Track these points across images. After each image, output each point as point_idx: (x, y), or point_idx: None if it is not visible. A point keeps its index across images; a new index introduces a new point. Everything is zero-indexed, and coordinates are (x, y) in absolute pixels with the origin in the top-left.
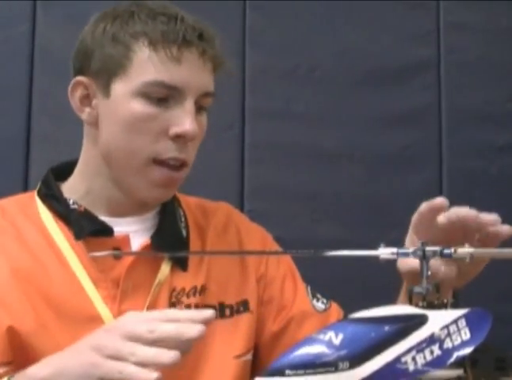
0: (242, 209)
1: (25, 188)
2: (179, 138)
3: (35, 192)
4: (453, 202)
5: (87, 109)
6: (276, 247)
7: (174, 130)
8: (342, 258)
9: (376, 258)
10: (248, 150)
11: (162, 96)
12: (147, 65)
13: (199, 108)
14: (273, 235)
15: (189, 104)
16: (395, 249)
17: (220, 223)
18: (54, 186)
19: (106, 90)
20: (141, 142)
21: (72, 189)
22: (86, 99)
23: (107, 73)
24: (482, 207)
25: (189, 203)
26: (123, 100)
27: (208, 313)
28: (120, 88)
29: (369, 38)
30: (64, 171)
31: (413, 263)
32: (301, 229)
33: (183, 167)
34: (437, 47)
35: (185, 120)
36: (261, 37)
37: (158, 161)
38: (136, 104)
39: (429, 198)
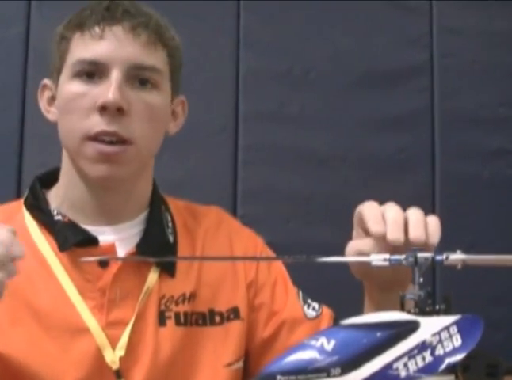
0: (234, 212)
1: (18, 188)
2: (106, 111)
3: (22, 201)
4: (446, 205)
5: (52, 109)
6: (267, 252)
7: (99, 102)
8: (335, 263)
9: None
10: (241, 152)
11: (89, 71)
12: (76, 47)
13: (141, 85)
14: (265, 238)
15: (113, 76)
16: (387, 256)
17: (211, 227)
18: (40, 195)
19: (57, 85)
20: (74, 121)
21: (58, 197)
22: (52, 100)
23: (57, 70)
24: (474, 210)
25: (179, 206)
26: (62, 86)
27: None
28: (62, 77)
29: (363, 41)
30: (51, 177)
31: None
32: (294, 233)
33: (122, 144)
34: (430, 50)
35: (108, 90)
36: (255, 39)
37: (90, 138)
38: (69, 86)
39: (422, 201)
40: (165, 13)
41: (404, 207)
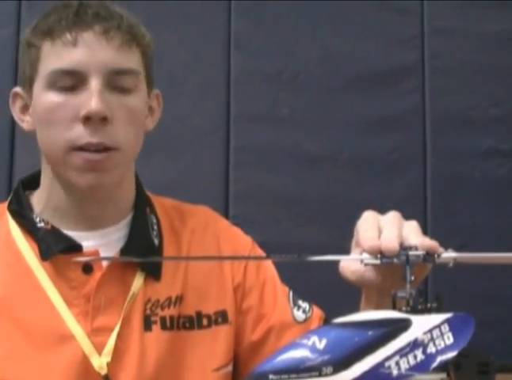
0: (226, 213)
1: (9, 190)
2: (89, 121)
3: (6, 205)
4: (437, 205)
5: (26, 118)
6: (257, 253)
7: (82, 112)
8: (327, 262)
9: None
10: (233, 153)
11: (68, 83)
12: (49, 56)
13: (121, 90)
14: (257, 239)
15: (93, 84)
16: (378, 255)
17: (197, 228)
18: (23, 200)
19: (31, 94)
20: (57, 132)
21: (41, 201)
22: (25, 109)
23: (29, 78)
24: (465, 210)
25: (166, 206)
26: (38, 97)
27: None
28: (36, 87)
29: (354, 42)
30: (37, 179)
31: (358, 269)
32: (286, 234)
33: (107, 151)
34: (421, 51)
35: (90, 100)
36: (246, 41)
37: (75, 148)
38: (46, 97)
39: (413, 201)
40: (155, 16)
41: (396, 208)
